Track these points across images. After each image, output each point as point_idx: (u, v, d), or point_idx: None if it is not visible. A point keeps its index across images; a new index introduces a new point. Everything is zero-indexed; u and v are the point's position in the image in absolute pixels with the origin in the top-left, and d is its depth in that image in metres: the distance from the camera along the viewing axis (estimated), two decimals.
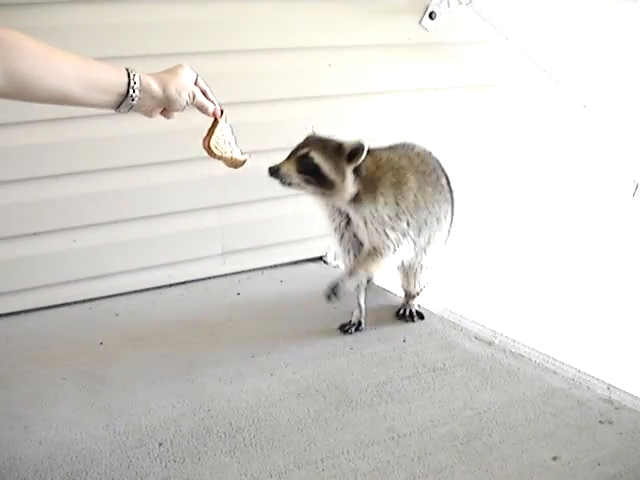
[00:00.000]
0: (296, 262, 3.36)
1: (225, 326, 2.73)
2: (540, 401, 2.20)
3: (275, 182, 3.16)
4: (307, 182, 2.42)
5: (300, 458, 1.92)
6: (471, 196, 3.77)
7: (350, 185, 2.44)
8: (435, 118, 3.61)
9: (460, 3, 3.41)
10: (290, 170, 2.39)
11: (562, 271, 3.62)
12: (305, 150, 2.41)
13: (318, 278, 3.07)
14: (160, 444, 1.99)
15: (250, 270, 3.26)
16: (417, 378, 2.34)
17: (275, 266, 3.30)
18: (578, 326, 3.05)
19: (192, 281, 3.13)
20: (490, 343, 2.62)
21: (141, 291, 3.05)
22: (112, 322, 2.80)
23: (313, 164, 2.40)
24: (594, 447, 1.95)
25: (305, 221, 3.33)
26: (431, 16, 3.39)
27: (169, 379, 2.34)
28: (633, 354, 3.53)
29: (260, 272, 3.26)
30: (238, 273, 3.23)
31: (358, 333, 2.65)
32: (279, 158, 3.13)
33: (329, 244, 3.36)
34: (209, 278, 3.17)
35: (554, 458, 1.91)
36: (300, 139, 2.46)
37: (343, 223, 2.58)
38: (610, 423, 2.06)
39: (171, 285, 3.10)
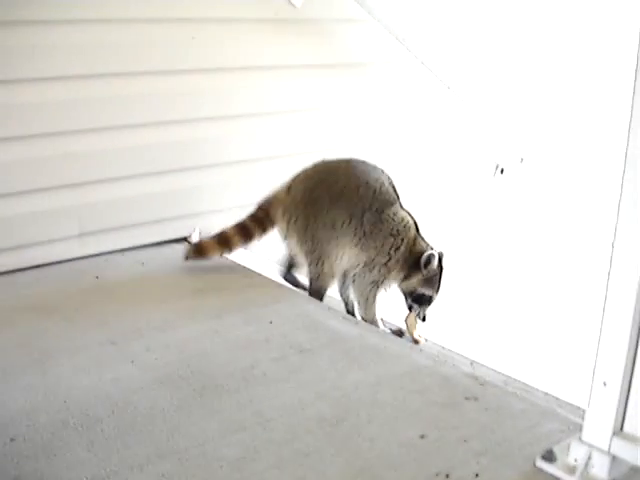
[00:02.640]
0: (159, 243, 3.24)
1: (82, 312, 2.59)
2: (407, 379, 2.21)
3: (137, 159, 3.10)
4: None
5: (162, 448, 1.84)
6: None
7: None
8: (299, 95, 3.57)
9: None
10: None
11: None
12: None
13: (182, 260, 2.97)
14: (12, 440, 1.86)
15: (110, 252, 3.11)
16: (284, 360, 2.30)
17: (136, 247, 3.17)
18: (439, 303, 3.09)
19: (46, 265, 2.95)
20: (357, 323, 2.62)
21: None
22: None
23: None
24: (460, 423, 1.97)
25: (167, 200, 3.22)
26: None
27: (21, 370, 2.20)
28: (494, 330, 3.64)
29: (120, 254, 3.12)
30: (97, 255, 3.08)
31: (225, 316, 2.58)
32: (134, 131, 3.02)
33: (194, 224, 3.27)
34: (65, 261, 3.00)
35: (421, 436, 1.92)
36: None
37: None
38: (475, 399, 2.09)
39: (23, 269, 2.90)
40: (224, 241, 2.94)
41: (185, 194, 3.28)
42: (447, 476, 1.76)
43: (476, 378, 2.22)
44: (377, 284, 2.80)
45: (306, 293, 2.88)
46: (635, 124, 1.57)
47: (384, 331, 2.74)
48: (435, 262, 2.71)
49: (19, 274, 2.88)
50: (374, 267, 2.78)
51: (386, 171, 2.89)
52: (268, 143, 3.49)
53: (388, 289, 2.84)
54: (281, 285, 2.93)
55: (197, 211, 3.32)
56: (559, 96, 4.33)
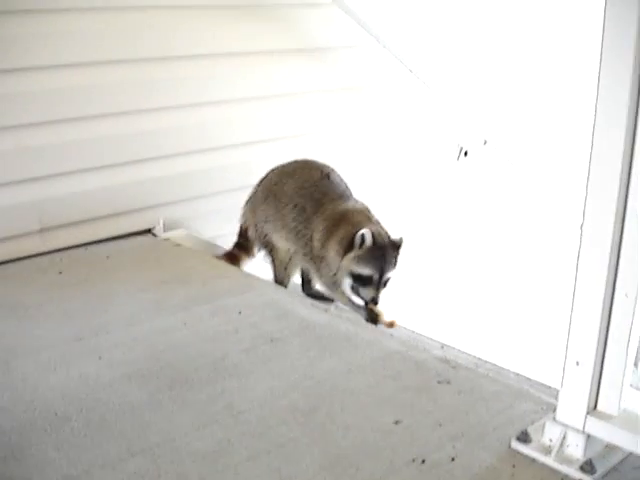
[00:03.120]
0: (122, 236, 3.18)
1: (47, 308, 2.53)
2: (379, 365, 2.20)
3: (97, 152, 3.03)
4: None
5: (134, 445, 1.80)
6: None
7: None
8: (260, 83, 3.53)
9: None
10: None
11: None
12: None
13: (147, 252, 2.93)
14: None
15: (72, 247, 3.04)
16: (255, 350, 2.27)
17: (100, 241, 3.11)
18: (406, 287, 3.10)
19: (6, 262, 2.87)
20: (326, 310, 2.60)
21: None
22: None
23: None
24: (434, 408, 1.97)
25: (130, 192, 3.16)
26: None
27: None
28: (462, 313, 3.66)
29: (84, 248, 3.06)
30: (59, 250, 3.00)
31: (193, 308, 2.54)
32: (94, 122, 2.93)
33: (157, 216, 3.22)
34: (26, 258, 2.92)
35: (396, 422, 1.91)
36: None
37: None
38: (448, 383, 2.08)
39: None
40: (245, 252, 3.06)
41: (147, 186, 3.22)
42: (423, 461, 1.76)
43: (448, 361, 2.21)
44: (334, 283, 2.73)
45: (328, 302, 2.85)
46: (601, 99, 1.57)
47: (359, 305, 2.72)
48: (369, 240, 2.57)
49: None
50: (320, 267, 2.76)
51: (330, 167, 2.88)
52: (228, 132, 3.44)
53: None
54: (248, 275, 2.89)
55: (160, 202, 3.27)
56: (521, 77, 4.34)
